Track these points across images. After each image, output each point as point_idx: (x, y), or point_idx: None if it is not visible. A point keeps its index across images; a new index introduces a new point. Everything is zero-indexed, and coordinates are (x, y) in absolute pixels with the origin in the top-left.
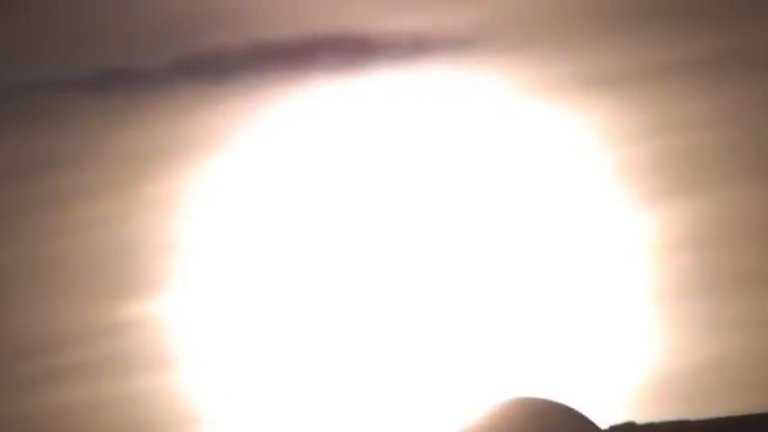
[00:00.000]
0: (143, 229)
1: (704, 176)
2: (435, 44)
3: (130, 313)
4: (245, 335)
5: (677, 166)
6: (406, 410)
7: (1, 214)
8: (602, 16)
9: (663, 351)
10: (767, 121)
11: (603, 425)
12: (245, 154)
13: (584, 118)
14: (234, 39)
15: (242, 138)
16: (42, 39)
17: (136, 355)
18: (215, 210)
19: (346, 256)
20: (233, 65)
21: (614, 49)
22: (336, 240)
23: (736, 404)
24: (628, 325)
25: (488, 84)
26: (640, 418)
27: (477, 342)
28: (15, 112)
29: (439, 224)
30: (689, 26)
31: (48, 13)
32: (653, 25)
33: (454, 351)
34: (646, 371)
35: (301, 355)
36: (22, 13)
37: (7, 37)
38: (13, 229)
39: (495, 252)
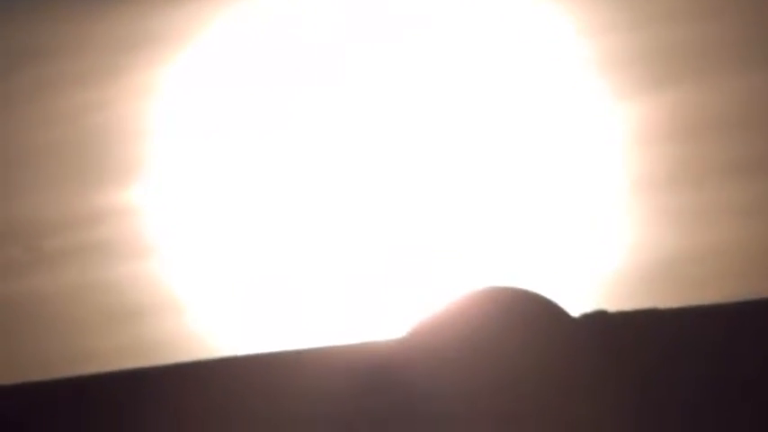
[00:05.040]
0: (126, 116)
1: (685, 68)
2: None
3: (113, 200)
4: (226, 221)
5: (659, 58)
6: (372, 300)
7: None
8: None
9: (639, 241)
10: (749, 14)
11: (575, 313)
12: (229, 45)
13: (566, 8)
14: None
15: (227, 28)
16: None
17: (118, 241)
18: (200, 97)
19: (325, 144)
20: None
21: None
22: (314, 124)
23: (710, 294)
24: (605, 214)
25: None
26: (613, 306)
27: (449, 229)
28: (10, 7)
29: (418, 106)
30: None
31: None
32: None
33: (424, 237)
34: (621, 260)
35: (281, 240)
36: None
37: None
38: None
39: (473, 141)
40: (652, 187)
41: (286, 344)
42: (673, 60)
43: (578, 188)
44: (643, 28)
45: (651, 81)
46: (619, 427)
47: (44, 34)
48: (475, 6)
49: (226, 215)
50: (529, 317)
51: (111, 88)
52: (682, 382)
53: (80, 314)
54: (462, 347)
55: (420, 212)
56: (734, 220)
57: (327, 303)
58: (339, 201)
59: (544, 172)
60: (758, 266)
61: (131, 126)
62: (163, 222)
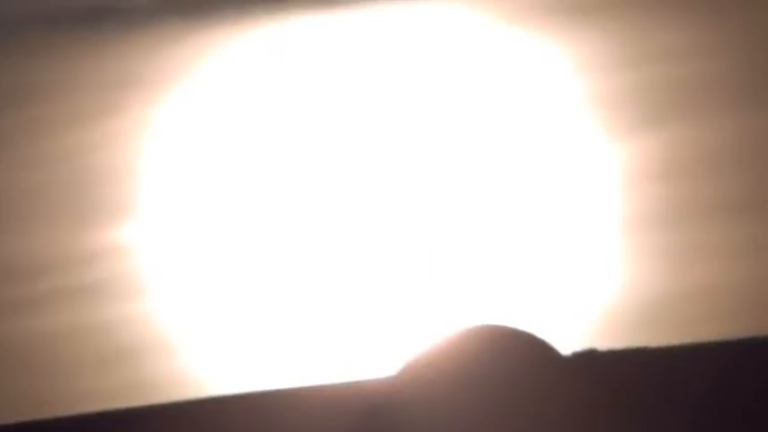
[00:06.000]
0: (117, 156)
1: (678, 108)
2: None
3: (105, 241)
4: (219, 261)
5: (652, 97)
6: (358, 339)
7: None
8: None
9: (630, 280)
10: (745, 53)
11: (566, 351)
12: (222, 84)
13: (558, 46)
14: None
15: (219, 68)
16: None
17: (111, 281)
18: (193, 137)
19: (320, 183)
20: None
21: None
22: (308, 164)
23: (701, 333)
24: (596, 253)
25: (461, 11)
26: (603, 345)
27: (439, 267)
28: (4, 45)
29: (408, 143)
30: None
31: None
32: None
33: (410, 275)
34: (612, 299)
35: (274, 279)
36: None
37: None
38: None
39: (463, 178)
40: (643, 226)
41: (279, 383)
42: (665, 99)
43: (569, 226)
44: (636, 67)
45: (643, 120)
46: None
47: (34, 75)
48: (466, 44)
49: (219, 255)
50: (519, 355)
51: (102, 128)
52: (672, 421)
53: (72, 355)
54: (453, 385)
55: (410, 250)
56: (726, 260)
57: (320, 342)
58: (331, 240)
59: (534, 210)
60: (750, 306)
61: (123, 166)
62: (155, 262)
